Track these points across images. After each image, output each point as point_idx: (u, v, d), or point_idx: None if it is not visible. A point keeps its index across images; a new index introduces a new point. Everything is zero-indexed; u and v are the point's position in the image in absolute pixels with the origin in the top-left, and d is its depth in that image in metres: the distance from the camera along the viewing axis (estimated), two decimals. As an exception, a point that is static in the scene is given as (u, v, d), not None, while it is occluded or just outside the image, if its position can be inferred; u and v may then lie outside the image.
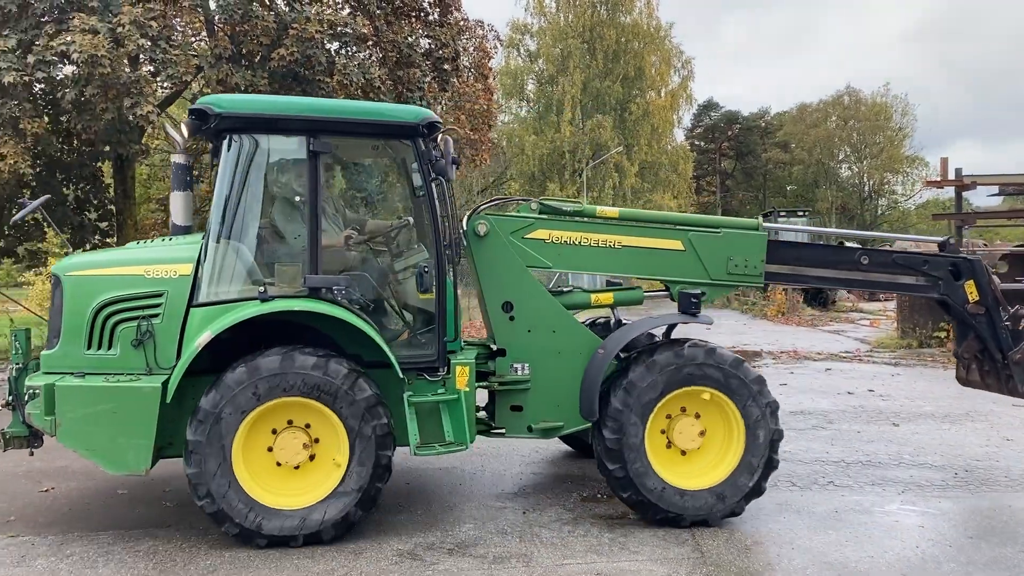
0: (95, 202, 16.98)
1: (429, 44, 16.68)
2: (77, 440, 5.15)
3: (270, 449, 5.16)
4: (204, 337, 5.02)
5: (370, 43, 14.86)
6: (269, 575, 4.71)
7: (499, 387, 5.88)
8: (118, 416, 5.05)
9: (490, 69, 20.25)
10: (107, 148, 14.65)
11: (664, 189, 41.35)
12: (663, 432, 5.62)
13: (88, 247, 15.37)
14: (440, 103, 16.95)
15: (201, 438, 4.94)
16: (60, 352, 5.31)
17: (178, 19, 14.17)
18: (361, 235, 6.02)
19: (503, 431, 5.95)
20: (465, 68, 18.32)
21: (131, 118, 12.29)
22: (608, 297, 6.33)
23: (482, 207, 6.18)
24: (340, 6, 15.36)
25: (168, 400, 5.01)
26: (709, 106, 62.35)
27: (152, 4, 12.64)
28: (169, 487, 6.42)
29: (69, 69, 12.92)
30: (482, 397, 6.07)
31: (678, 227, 6.22)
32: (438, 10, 17.14)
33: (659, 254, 6.11)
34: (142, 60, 13.43)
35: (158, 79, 13.45)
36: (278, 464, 5.17)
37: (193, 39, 15.15)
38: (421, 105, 14.73)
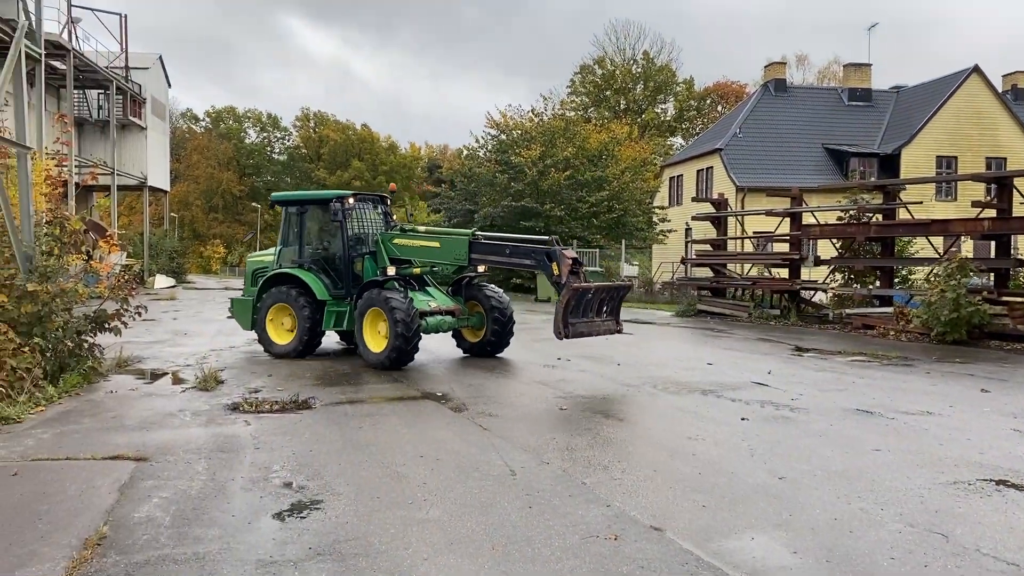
0: None
1: None
2: (238, 318, 14.13)
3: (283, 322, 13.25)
4: (261, 282, 13.42)
5: None
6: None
7: None
8: (242, 309, 14.02)
9: None
10: None
11: None
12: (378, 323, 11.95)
13: None
14: None
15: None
16: (246, 289, 14.41)
17: None
18: (325, 246, 13.60)
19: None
20: None
21: None
22: (418, 269, 12.89)
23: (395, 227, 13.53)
24: None
25: (256, 304, 13.39)
26: None
27: None
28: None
29: None
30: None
31: (439, 235, 12.81)
32: None
33: (428, 249, 12.50)
34: None
35: None
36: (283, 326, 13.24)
37: None
38: None
